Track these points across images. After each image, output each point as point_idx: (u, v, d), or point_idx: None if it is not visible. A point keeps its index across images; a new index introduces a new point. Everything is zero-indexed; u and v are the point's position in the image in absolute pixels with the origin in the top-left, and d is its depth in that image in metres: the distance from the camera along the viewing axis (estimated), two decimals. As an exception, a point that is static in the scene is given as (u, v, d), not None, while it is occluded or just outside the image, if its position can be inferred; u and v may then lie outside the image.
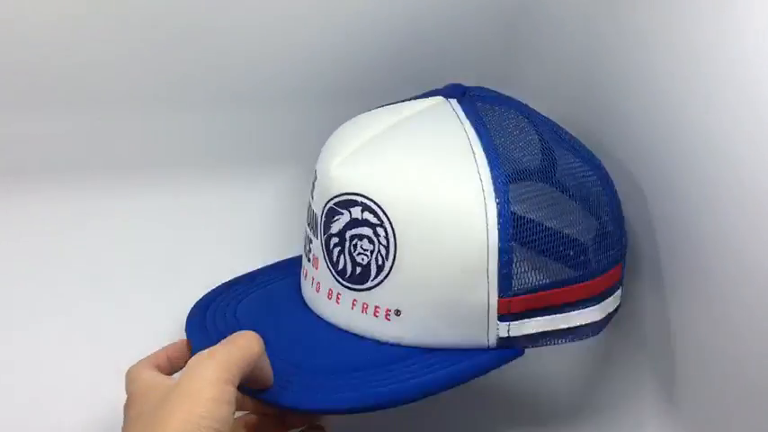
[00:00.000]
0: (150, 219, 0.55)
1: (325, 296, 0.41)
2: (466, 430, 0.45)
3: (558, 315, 0.38)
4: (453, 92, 0.44)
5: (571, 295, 0.38)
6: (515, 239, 0.37)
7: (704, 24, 0.39)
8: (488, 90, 0.44)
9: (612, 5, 0.45)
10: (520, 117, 0.42)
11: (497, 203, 0.37)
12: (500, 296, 0.37)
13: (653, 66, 0.43)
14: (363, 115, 0.44)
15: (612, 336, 0.46)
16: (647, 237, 0.45)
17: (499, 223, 0.37)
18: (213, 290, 0.46)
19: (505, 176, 0.37)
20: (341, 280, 0.39)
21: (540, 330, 0.38)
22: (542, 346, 0.39)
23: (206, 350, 0.33)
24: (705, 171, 0.39)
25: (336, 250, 0.39)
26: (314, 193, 0.42)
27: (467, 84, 0.44)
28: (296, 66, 0.51)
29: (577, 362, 0.49)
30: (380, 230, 0.38)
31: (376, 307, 0.39)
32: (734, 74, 0.37)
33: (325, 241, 0.40)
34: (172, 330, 0.43)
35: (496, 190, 0.37)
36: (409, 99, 0.45)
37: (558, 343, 0.39)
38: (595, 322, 0.39)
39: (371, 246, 0.38)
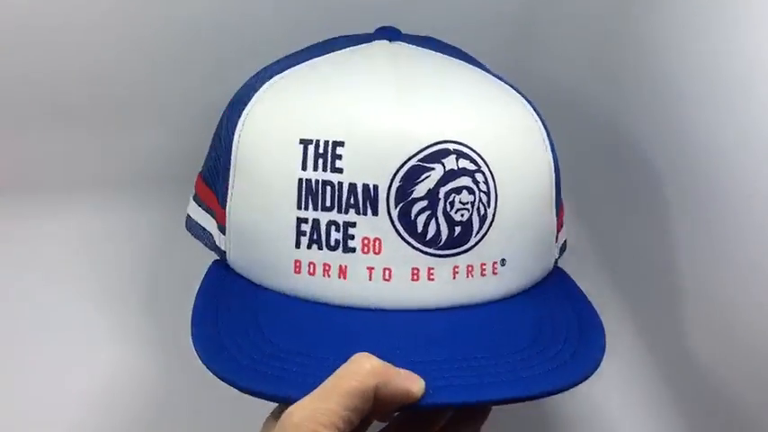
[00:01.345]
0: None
1: (407, 280, 0.33)
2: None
3: (563, 229, 0.41)
4: (391, 34, 0.40)
5: (562, 214, 0.41)
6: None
7: (718, 24, 0.39)
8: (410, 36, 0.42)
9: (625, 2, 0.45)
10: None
11: (545, 129, 0.37)
12: (556, 217, 0.38)
13: (665, 61, 0.43)
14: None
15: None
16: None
17: (551, 144, 0.37)
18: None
19: (533, 105, 0.38)
20: (432, 250, 0.33)
21: (562, 242, 0.40)
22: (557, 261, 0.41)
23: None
24: (718, 175, 0.39)
25: (423, 216, 0.33)
26: (347, 164, 0.32)
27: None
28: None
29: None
30: (479, 176, 0.33)
31: (482, 265, 0.34)
32: (749, 74, 0.37)
33: (402, 212, 0.32)
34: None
35: (539, 116, 0.38)
36: (340, 46, 0.39)
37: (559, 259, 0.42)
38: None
39: (471, 197, 0.33)
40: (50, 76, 0.49)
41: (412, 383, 0.28)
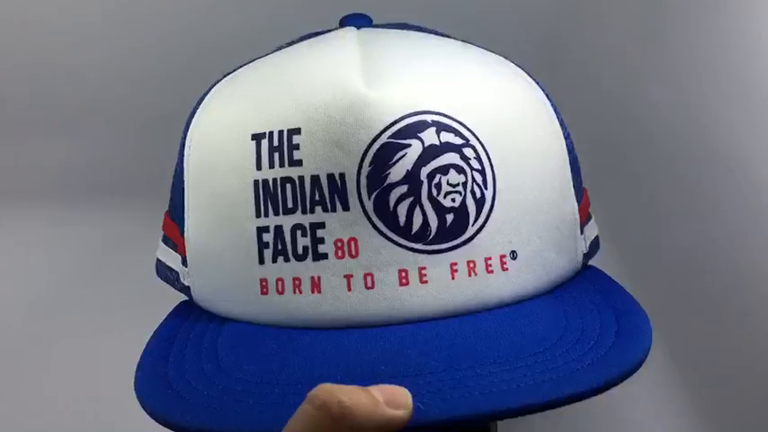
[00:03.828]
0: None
1: (394, 285, 0.26)
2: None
3: (590, 222, 0.34)
4: (360, 21, 0.35)
5: (588, 205, 0.35)
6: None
7: (738, 55, 0.39)
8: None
9: (646, 34, 0.45)
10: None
11: (554, 108, 0.32)
12: (578, 203, 0.31)
13: (685, 94, 0.42)
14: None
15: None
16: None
17: (563, 128, 0.31)
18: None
19: (538, 83, 0.32)
20: (420, 246, 0.27)
21: (593, 238, 0.34)
22: (590, 258, 0.34)
23: None
24: (742, 178, 0.39)
25: (405, 205, 0.26)
26: (305, 154, 0.27)
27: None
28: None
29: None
30: (468, 151, 0.27)
31: (487, 259, 0.27)
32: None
33: (378, 202, 0.26)
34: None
35: (544, 92, 0.32)
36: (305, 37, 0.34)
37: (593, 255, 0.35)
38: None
39: (462, 176, 0.27)
40: (49, 82, 0.49)
41: (396, 402, 0.21)
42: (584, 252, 0.32)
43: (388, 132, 0.26)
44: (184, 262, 0.31)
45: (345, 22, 0.35)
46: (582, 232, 0.32)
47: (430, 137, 0.27)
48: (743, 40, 0.38)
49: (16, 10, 0.46)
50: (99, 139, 0.52)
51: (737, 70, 0.38)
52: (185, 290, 0.31)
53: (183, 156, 0.31)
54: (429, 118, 0.27)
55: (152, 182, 0.46)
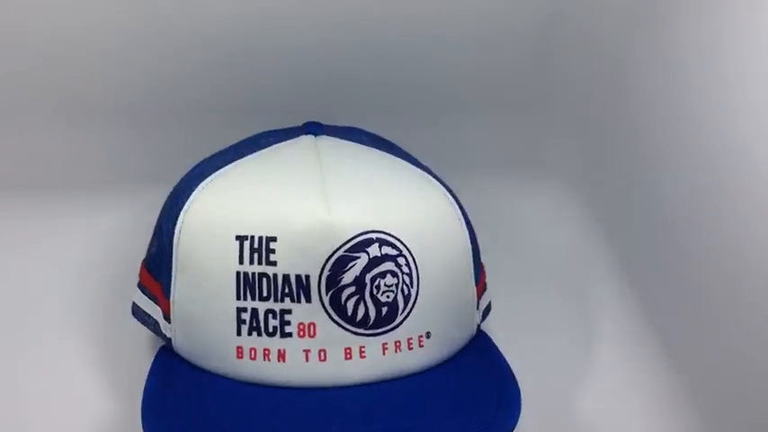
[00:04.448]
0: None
1: (341, 359, 0.36)
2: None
3: (485, 293, 0.45)
4: (315, 129, 0.43)
5: (483, 280, 0.45)
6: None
7: (735, 48, 0.40)
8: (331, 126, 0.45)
9: (642, 30, 0.46)
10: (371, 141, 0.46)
11: (460, 210, 0.41)
12: (476, 285, 0.42)
13: (682, 90, 0.43)
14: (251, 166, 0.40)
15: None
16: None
17: (466, 224, 0.41)
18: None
19: (450, 190, 0.42)
20: (362, 330, 0.36)
21: (485, 305, 0.44)
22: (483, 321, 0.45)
23: None
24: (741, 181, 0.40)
25: (352, 301, 0.36)
26: (280, 257, 0.36)
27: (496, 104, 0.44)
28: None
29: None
30: (401, 260, 0.37)
31: (409, 339, 0.37)
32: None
33: (333, 298, 0.36)
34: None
35: (455, 199, 0.42)
36: (268, 144, 0.42)
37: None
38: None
39: (395, 279, 0.37)
40: (51, 73, 0.50)
41: None
42: (478, 323, 0.42)
43: (344, 247, 0.36)
44: (167, 319, 0.39)
45: (303, 128, 0.44)
46: (478, 307, 0.42)
47: (374, 250, 0.36)
48: (739, 31, 0.39)
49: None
50: (95, 132, 0.53)
51: (734, 62, 0.40)
52: (165, 338, 0.40)
53: (172, 235, 0.38)
54: (374, 236, 0.36)
55: (148, 177, 0.50)
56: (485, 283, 0.45)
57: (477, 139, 0.56)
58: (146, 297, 0.42)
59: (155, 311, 0.41)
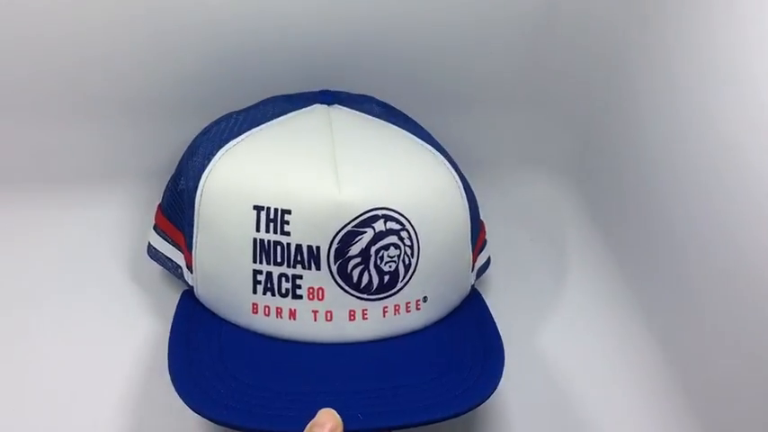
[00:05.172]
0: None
1: (345, 320, 0.40)
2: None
3: (484, 249, 0.49)
4: (328, 98, 0.46)
5: (483, 237, 0.49)
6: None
7: (732, 45, 0.40)
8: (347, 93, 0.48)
9: (641, 26, 0.46)
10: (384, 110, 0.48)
11: (461, 179, 0.44)
12: (472, 248, 0.45)
13: (679, 86, 0.44)
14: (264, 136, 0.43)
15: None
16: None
17: (467, 195, 0.44)
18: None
19: (451, 160, 0.45)
20: (365, 296, 0.40)
21: (483, 262, 0.48)
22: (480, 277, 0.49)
23: None
24: (735, 175, 0.40)
25: (357, 270, 0.40)
26: (293, 229, 0.39)
27: (483, 101, 0.45)
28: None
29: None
30: (404, 234, 0.40)
31: (407, 303, 0.41)
32: (761, 94, 0.38)
33: (340, 267, 0.39)
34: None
35: (456, 171, 0.44)
36: (284, 111, 0.45)
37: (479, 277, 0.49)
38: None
39: (397, 251, 0.40)
40: (50, 71, 0.51)
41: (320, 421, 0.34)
42: (472, 283, 0.46)
43: (352, 223, 0.39)
44: (190, 269, 0.43)
45: (317, 96, 0.46)
46: (473, 269, 0.46)
47: (379, 225, 0.39)
48: (734, 28, 0.39)
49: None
50: (92, 126, 0.53)
51: (731, 59, 0.40)
52: (187, 284, 0.44)
53: (194, 195, 0.42)
54: (380, 212, 0.39)
55: (145, 172, 0.53)
56: (484, 240, 0.48)
57: (473, 134, 0.57)
58: (167, 243, 0.46)
59: (178, 258, 0.45)
